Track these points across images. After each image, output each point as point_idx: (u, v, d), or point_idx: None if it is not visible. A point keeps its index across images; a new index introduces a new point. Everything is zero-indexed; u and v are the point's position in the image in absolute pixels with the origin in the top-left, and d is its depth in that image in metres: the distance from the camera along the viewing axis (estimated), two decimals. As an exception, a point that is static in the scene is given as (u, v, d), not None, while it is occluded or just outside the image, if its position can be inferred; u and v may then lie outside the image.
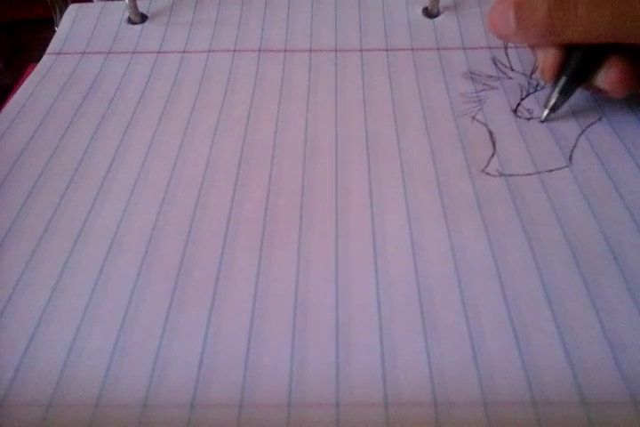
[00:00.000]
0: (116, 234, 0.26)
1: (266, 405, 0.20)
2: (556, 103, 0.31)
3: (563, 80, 0.30)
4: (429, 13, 0.39)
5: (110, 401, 0.20)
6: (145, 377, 0.21)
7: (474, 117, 0.31)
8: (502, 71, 0.35)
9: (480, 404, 0.19)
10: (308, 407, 0.20)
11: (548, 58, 0.30)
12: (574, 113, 0.31)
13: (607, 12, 0.26)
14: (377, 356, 0.21)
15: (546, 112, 0.31)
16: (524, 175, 0.28)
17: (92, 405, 0.20)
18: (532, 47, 0.31)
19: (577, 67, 0.29)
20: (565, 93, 0.30)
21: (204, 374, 0.21)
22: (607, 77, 0.29)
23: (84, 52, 0.37)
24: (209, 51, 0.37)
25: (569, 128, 0.30)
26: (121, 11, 0.40)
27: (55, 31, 0.40)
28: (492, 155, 0.29)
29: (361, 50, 0.37)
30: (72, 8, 0.41)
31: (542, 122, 0.31)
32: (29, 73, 0.36)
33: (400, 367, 0.21)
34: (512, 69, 0.35)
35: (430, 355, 0.21)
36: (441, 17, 0.39)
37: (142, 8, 0.40)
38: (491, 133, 0.30)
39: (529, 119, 0.31)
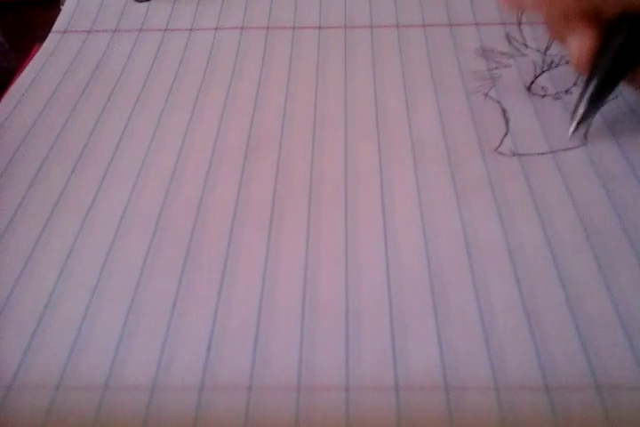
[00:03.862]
0: (123, 215, 0.25)
1: (275, 388, 0.20)
2: (586, 114, 0.26)
3: (593, 84, 0.26)
4: (441, -12, 0.38)
5: (119, 383, 0.20)
6: (154, 360, 0.21)
7: (486, 95, 0.31)
8: (516, 48, 0.34)
9: (492, 388, 0.19)
10: (318, 391, 0.20)
11: (583, 43, 0.26)
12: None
13: None
14: (387, 339, 0.21)
15: (574, 125, 0.27)
16: (538, 155, 0.27)
17: (101, 387, 0.20)
18: (563, 33, 0.27)
19: (613, 57, 0.25)
20: (596, 101, 0.26)
21: (213, 356, 0.21)
22: None
23: (90, 31, 0.37)
24: (216, 28, 0.37)
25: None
26: (127, -12, 0.40)
27: (61, 10, 0.39)
28: (505, 134, 0.28)
29: (371, 26, 0.36)
30: (77, -15, 0.40)
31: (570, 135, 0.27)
32: (35, 53, 0.35)
33: (411, 351, 0.20)
34: (526, 46, 0.34)
35: (441, 338, 0.21)
36: (453, -8, 0.38)
37: (148, -15, 0.39)
38: (504, 111, 0.30)
39: (543, 96, 0.30)
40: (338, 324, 0.21)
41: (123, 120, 0.30)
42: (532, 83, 0.31)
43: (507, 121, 0.29)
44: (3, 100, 0.32)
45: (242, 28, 0.37)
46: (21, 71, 0.34)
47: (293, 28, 0.37)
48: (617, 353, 0.20)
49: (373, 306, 0.22)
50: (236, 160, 0.28)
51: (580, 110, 0.26)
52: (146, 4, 0.39)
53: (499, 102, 0.30)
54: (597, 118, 0.29)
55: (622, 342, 0.20)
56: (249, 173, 0.27)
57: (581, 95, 0.26)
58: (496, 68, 0.33)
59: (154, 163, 0.28)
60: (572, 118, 0.27)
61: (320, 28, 0.36)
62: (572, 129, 0.27)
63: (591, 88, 0.26)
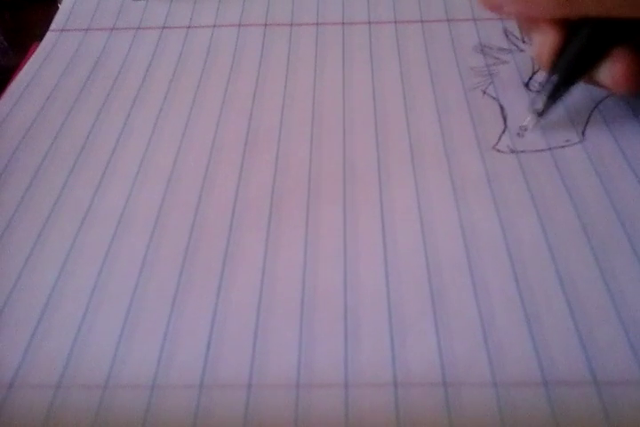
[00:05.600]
0: (122, 214, 0.26)
1: (274, 385, 0.20)
2: (544, 108, 0.27)
3: (553, 81, 0.27)
4: (439, -16, 0.38)
5: (119, 382, 0.20)
6: (153, 358, 0.21)
7: (485, 91, 0.31)
8: (514, 43, 0.34)
9: (490, 384, 0.19)
10: (317, 388, 0.20)
11: (546, 40, 0.26)
12: (587, 87, 0.30)
13: None
14: (386, 336, 0.21)
15: (533, 119, 0.28)
16: (536, 152, 0.27)
17: (101, 386, 0.20)
18: (528, 28, 0.28)
19: (575, 57, 0.26)
20: (554, 97, 0.27)
21: (213, 354, 0.21)
22: (611, 72, 0.25)
23: (87, 29, 0.37)
24: (214, 25, 0.37)
25: (582, 102, 0.30)
26: (124, -14, 0.40)
27: (58, 8, 0.39)
28: (503, 131, 0.28)
29: (369, 22, 0.36)
30: (75, -17, 0.40)
31: (526, 130, 0.28)
32: (33, 51, 0.35)
33: (409, 347, 0.20)
34: (524, 41, 0.34)
35: (440, 335, 0.21)
36: (451, -13, 0.38)
37: (146, -18, 0.39)
38: (502, 108, 0.30)
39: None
40: (336, 321, 0.21)
41: (121, 118, 0.30)
42: (530, 79, 0.31)
43: (504, 118, 0.29)
44: (1, 98, 0.32)
45: (239, 25, 0.37)
46: (20, 70, 0.34)
47: (291, 24, 0.36)
48: (615, 348, 0.20)
49: (372, 303, 0.22)
50: (234, 157, 0.28)
51: (539, 105, 0.27)
52: (143, 1, 0.39)
53: (497, 99, 0.30)
54: (595, 115, 0.29)
55: (620, 337, 0.20)
56: (247, 170, 0.27)
57: (541, 91, 0.27)
58: (494, 64, 0.33)
59: (152, 161, 0.28)
60: (532, 112, 0.28)
61: (318, 24, 0.36)
62: (531, 123, 0.28)
63: (550, 85, 0.27)
